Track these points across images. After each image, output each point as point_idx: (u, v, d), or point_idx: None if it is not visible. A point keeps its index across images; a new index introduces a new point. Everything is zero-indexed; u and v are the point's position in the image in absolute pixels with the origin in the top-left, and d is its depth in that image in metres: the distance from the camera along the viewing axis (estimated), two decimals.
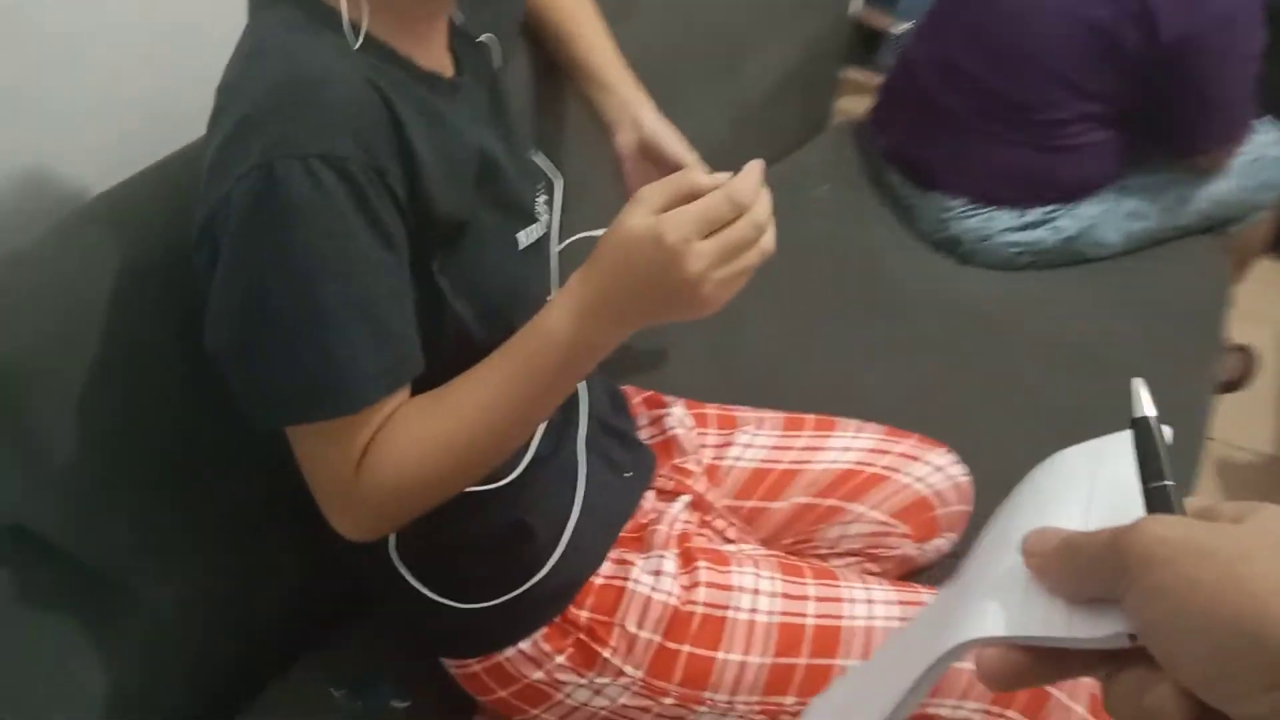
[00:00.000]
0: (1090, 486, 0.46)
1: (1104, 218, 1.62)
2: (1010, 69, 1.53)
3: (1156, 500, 0.40)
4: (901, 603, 0.97)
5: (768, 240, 0.72)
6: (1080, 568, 0.39)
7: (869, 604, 0.97)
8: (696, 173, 0.72)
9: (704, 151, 1.65)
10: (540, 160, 0.98)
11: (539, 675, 0.95)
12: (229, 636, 1.00)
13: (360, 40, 0.75)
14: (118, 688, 0.91)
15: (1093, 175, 1.59)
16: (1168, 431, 0.43)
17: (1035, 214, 1.61)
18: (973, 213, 1.63)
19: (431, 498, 0.80)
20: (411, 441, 0.76)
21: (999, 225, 1.62)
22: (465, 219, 0.80)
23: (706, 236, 0.69)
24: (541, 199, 0.92)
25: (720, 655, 0.93)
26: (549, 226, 0.91)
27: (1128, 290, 1.62)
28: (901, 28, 2.38)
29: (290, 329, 0.70)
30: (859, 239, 1.71)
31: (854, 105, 2.09)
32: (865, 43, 2.91)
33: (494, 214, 0.83)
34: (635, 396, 1.19)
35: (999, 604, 0.41)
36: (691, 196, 0.70)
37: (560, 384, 0.78)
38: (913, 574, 1.18)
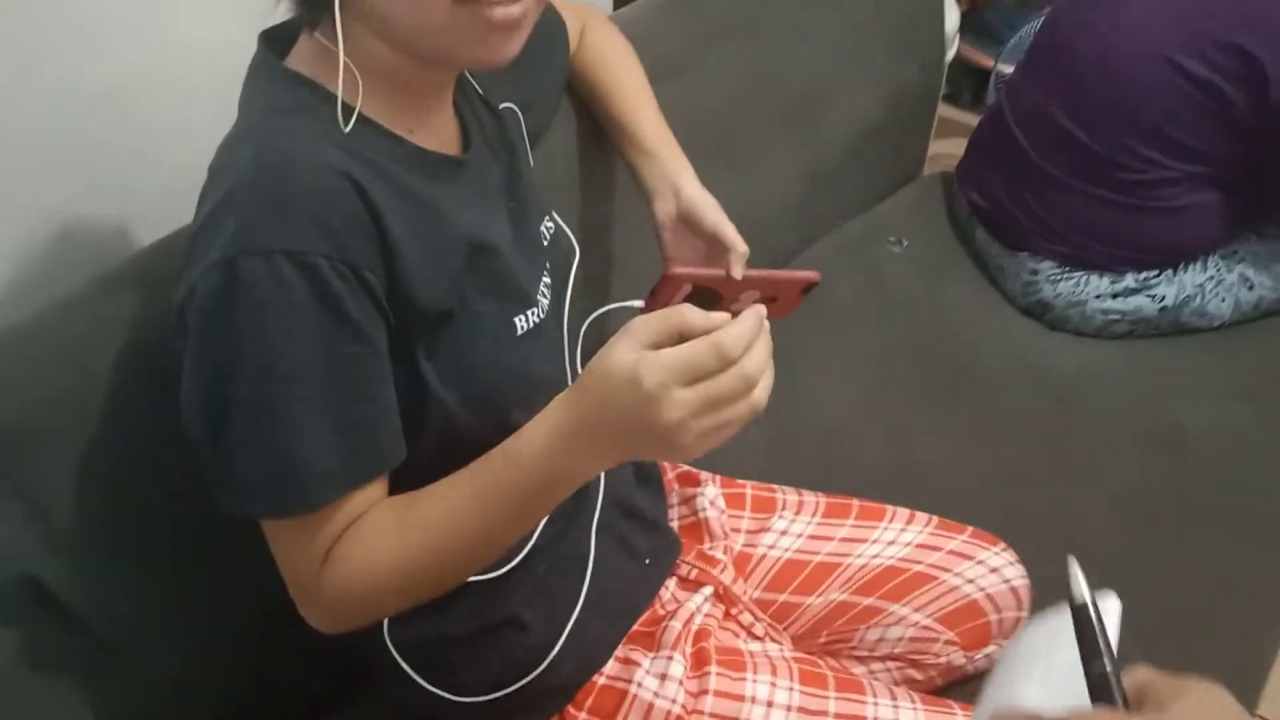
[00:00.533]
0: (1048, 665, 0.50)
1: (1209, 286, 1.48)
2: (1104, 123, 1.41)
3: (1096, 685, 0.45)
4: None
5: (759, 395, 0.65)
6: None
7: (895, 707, 0.89)
8: (691, 311, 0.65)
9: (776, 207, 1.60)
10: (557, 230, 0.93)
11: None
12: (224, 711, 0.98)
13: (353, 123, 0.72)
14: None
15: (1195, 240, 1.46)
16: (1114, 606, 0.50)
17: (1131, 280, 1.49)
18: (1063, 276, 1.52)
19: (405, 602, 0.77)
20: (382, 548, 0.72)
21: (1092, 291, 1.50)
22: (451, 307, 0.76)
23: (689, 384, 0.62)
24: (545, 281, 0.87)
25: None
26: (545, 311, 0.86)
27: (1235, 368, 1.48)
28: (1006, 68, 2.24)
29: (246, 425, 0.69)
30: (940, 301, 1.61)
31: (954, 150, 1.98)
32: (970, 82, 2.78)
33: (487, 300, 0.79)
34: (670, 471, 1.13)
35: None
36: (684, 336, 0.64)
37: (532, 509, 0.73)
38: (961, 683, 1.08)
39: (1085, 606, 0.46)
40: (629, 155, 1.10)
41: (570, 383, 0.91)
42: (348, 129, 0.72)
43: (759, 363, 0.64)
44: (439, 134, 0.81)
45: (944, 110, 2.27)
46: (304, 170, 0.68)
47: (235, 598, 0.94)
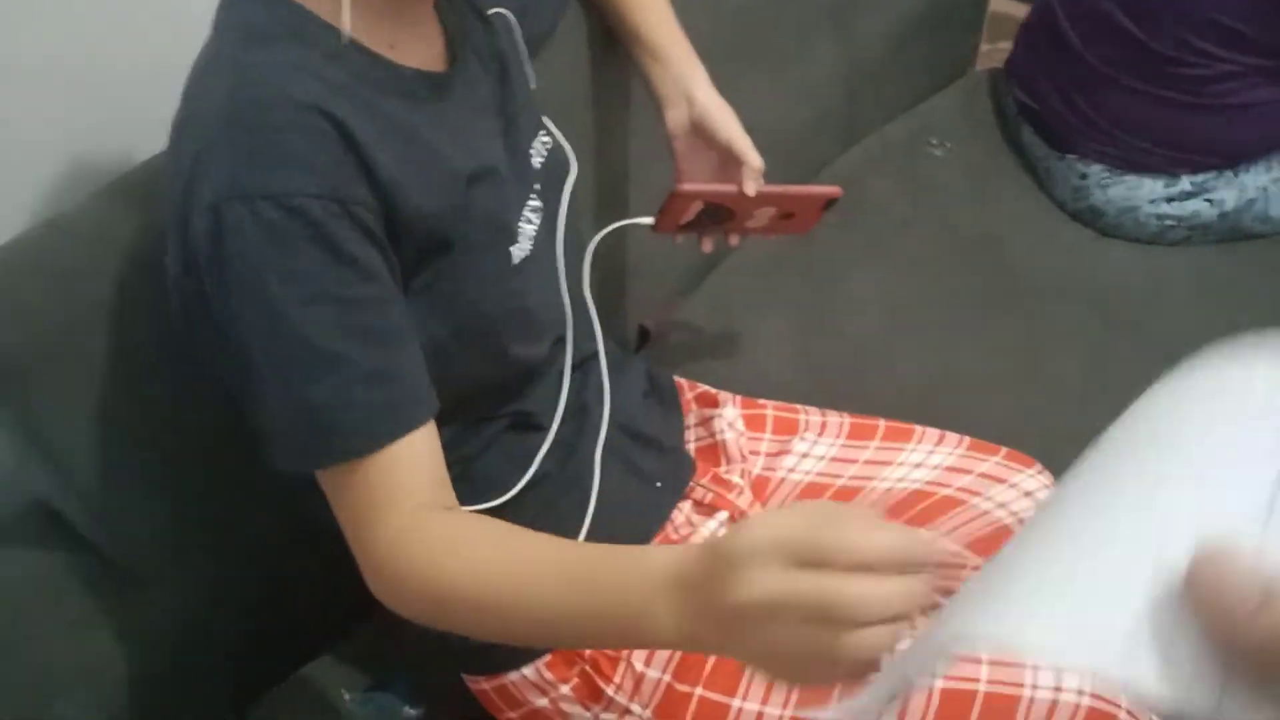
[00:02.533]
0: (1268, 457, 0.33)
1: (1274, 189, 1.39)
2: (1157, 14, 1.32)
3: None
4: None
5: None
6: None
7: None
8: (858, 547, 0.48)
9: (810, 110, 1.52)
10: (554, 145, 0.89)
11: (543, 702, 0.89)
12: (241, 633, 0.98)
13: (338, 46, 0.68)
14: (126, 678, 0.90)
15: (1255, 139, 1.37)
16: None
17: (1187, 183, 1.40)
18: (1115, 180, 1.43)
19: (445, 625, 0.69)
20: (450, 587, 0.65)
21: (1145, 195, 1.42)
22: (448, 239, 0.72)
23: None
24: (530, 205, 0.83)
25: (736, 703, 0.84)
26: (534, 237, 0.82)
27: None
28: None
29: (263, 378, 0.66)
30: (984, 207, 1.53)
31: (1008, 48, 1.87)
32: None
33: (484, 230, 0.76)
34: (689, 391, 1.10)
35: (1136, 644, 0.31)
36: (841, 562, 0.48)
37: (606, 642, 0.68)
38: None
39: None
40: (639, 60, 1.05)
41: (566, 310, 0.88)
42: (332, 45, 0.68)
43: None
44: (423, 47, 0.77)
45: (999, 4, 2.14)
46: (281, 110, 0.64)
47: (254, 526, 0.94)
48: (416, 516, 0.68)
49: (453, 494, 0.72)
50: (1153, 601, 0.31)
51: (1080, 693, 0.81)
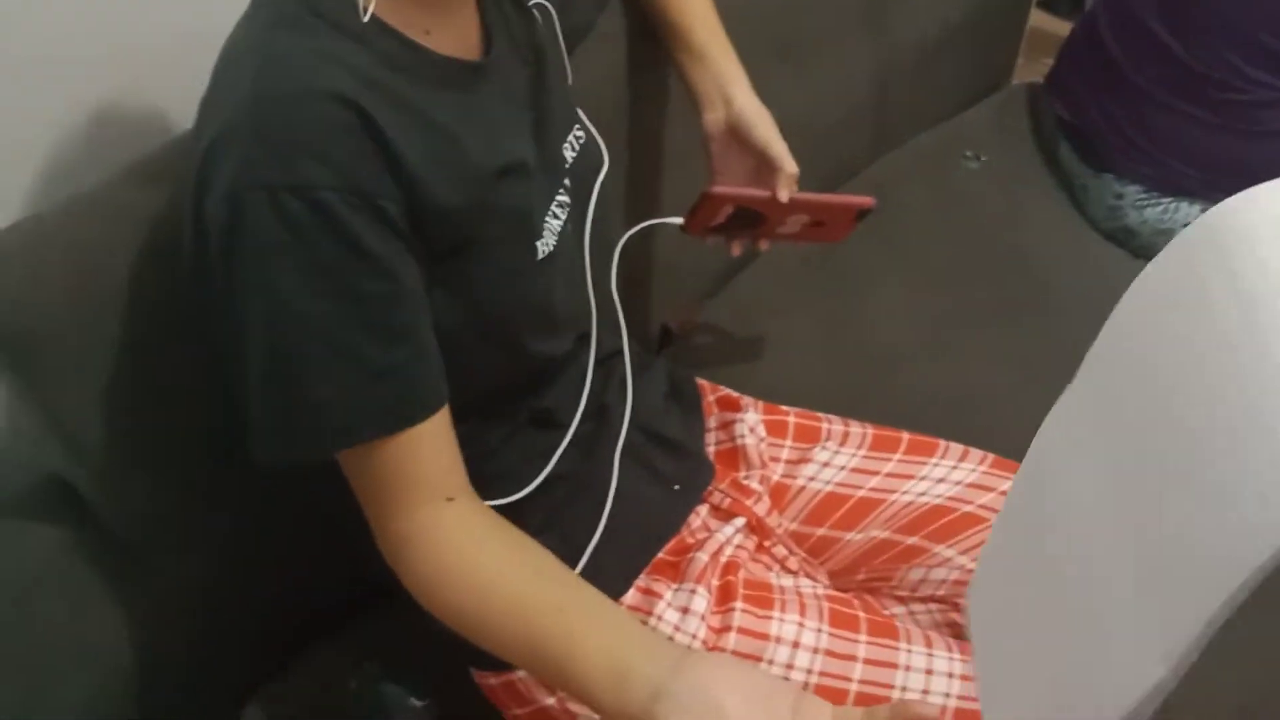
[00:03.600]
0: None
1: None
2: (1205, 36, 1.30)
3: None
4: (964, 677, 0.84)
5: None
6: None
7: (927, 674, 0.85)
8: None
9: (843, 114, 1.50)
10: (587, 140, 0.88)
11: (550, 701, 0.88)
12: (246, 615, 0.97)
13: (364, 28, 0.67)
14: (129, 656, 0.90)
15: None
16: None
17: None
18: (1151, 201, 1.41)
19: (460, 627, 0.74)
20: (473, 605, 0.71)
21: (1182, 219, 1.40)
22: (472, 233, 0.72)
23: None
24: (558, 200, 0.82)
25: None
26: (559, 232, 0.81)
27: None
28: None
29: (265, 366, 0.66)
30: (1017, 222, 1.51)
31: (1048, 64, 1.85)
32: None
33: (508, 224, 0.75)
34: (710, 394, 1.09)
35: None
36: None
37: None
38: None
39: None
40: (678, 58, 1.04)
41: (591, 308, 0.87)
42: (361, 28, 0.67)
43: None
44: (459, 35, 0.76)
45: (1040, 19, 2.12)
46: (305, 101, 0.63)
47: (265, 506, 0.93)
48: (428, 513, 0.71)
49: (465, 480, 0.74)
50: None
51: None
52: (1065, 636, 0.34)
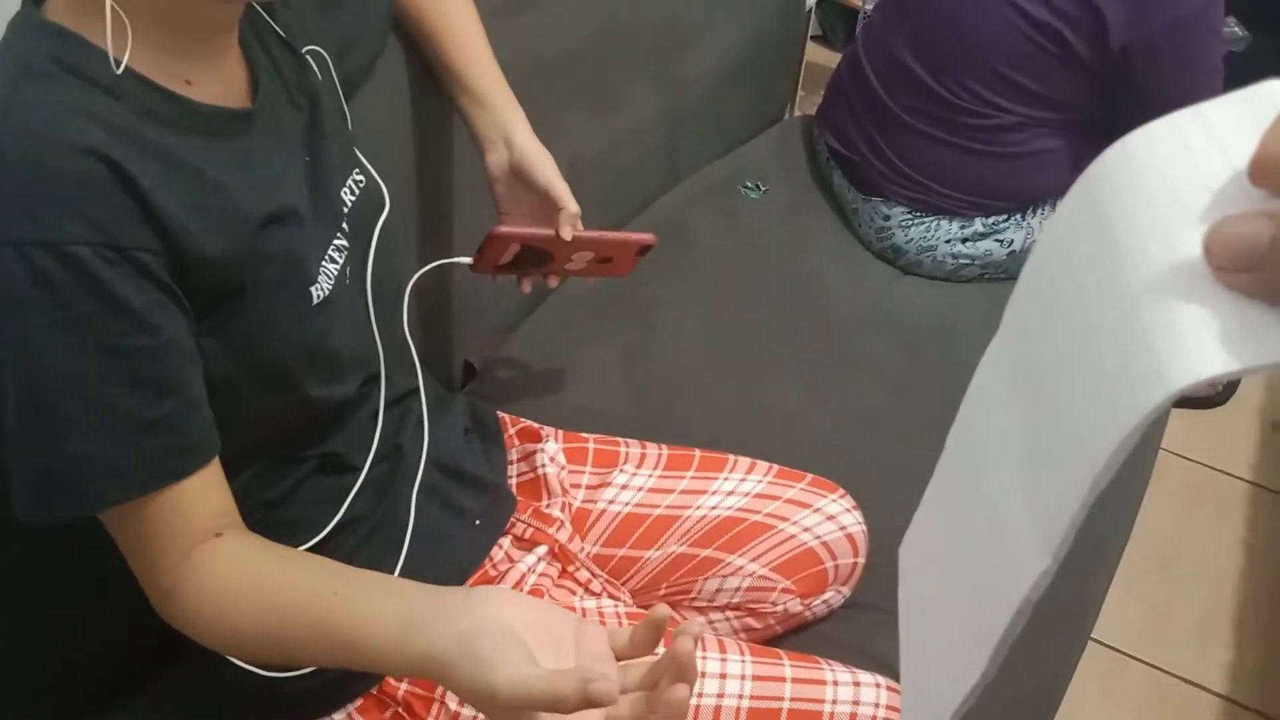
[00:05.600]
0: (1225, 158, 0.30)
1: None
2: (949, 66, 1.42)
3: None
4: (757, 678, 0.89)
5: None
6: None
7: (721, 678, 0.89)
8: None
9: (634, 150, 1.57)
10: (367, 183, 0.89)
11: None
12: (45, 675, 0.93)
13: (118, 79, 0.66)
14: None
15: (1042, 186, 1.49)
16: None
17: (980, 225, 1.51)
18: (915, 221, 1.53)
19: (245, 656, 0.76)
20: (238, 625, 0.71)
21: (942, 235, 1.52)
22: (240, 280, 0.72)
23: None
24: (335, 244, 0.83)
25: None
26: (336, 277, 0.82)
27: None
28: (870, 8, 2.24)
29: (18, 425, 0.65)
30: (796, 246, 1.61)
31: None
32: (844, 23, 2.78)
33: (279, 270, 0.75)
34: (512, 426, 1.11)
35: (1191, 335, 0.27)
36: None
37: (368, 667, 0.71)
38: (801, 628, 1.10)
39: None
40: (460, 102, 1.06)
41: (378, 350, 0.88)
42: (108, 87, 0.66)
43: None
44: (223, 82, 0.75)
45: (816, 53, 2.27)
46: (52, 154, 0.62)
47: (51, 567, 0.89)
48: (197, 554, 0.71)
49: (234, 517, 0.75)
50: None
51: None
52: (976, 559, 0.37)
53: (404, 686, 0.86)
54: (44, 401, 0.64)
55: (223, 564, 0.71)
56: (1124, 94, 1.35)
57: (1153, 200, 0.30)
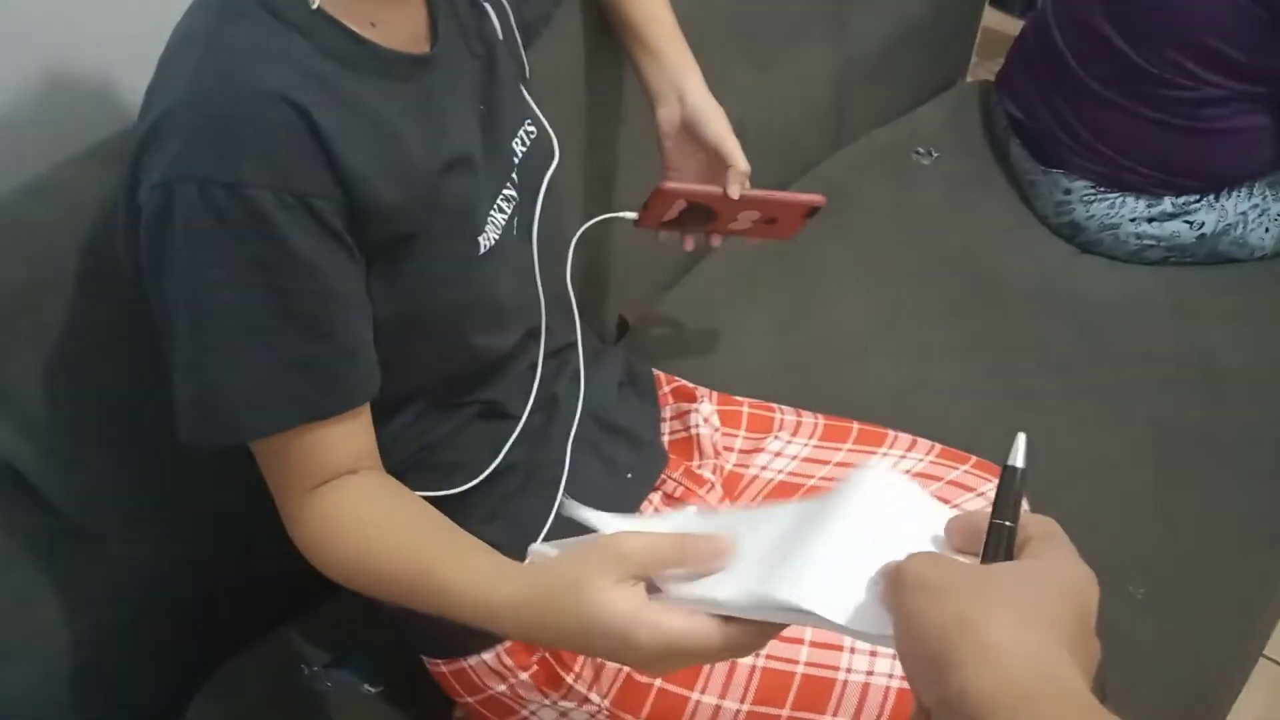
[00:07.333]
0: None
1: (1253, 215, 1.40)
2: (1150, 34, 1.32)
3: (996, 533, 0.51)
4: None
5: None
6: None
7: (871, 656, 0.86)
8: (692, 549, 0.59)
9: (801, 111, 1.53)
10: (539, 134, 0.88)
11: (502, 688, 0.89)
12: (197, 601, 0.98)
13: (309, 22, 0.68)
14: (77, 645, 0.90)
15: (1241, 165, 1.38)
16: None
17: (1169, 204, 1.41)
18: (1098, 196, 1.44)
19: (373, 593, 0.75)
20: (349, 547, 0.73)
21: (1127, 213, 1.43)
22: (413, 228, 0.73)
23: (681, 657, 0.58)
24: (505, 194, 0.82)
25: (694, 696, 0.85)
26: (504, 227, 0.81)
27: (1272, 301, 1.41)
28: None
29: (185, 353, 0.68)
30: (967, 217, 1.54)
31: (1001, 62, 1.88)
32: None
33: (450, 219, 0.76)
34: (666, 384, 1.10)
35: (850, 596, 0.52)
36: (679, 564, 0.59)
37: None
38: None
39: (1016, 470, 0.53)
40: (633, 54, 1.05)
41: (540, 301, 0.88)
42: (307, 20, 0.68)
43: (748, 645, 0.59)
44: (405, 27, 0.76)
45: (993, 19, 2.16)
46: (246, 97, 0.64)
47: (216, 490, 0.93)
48: (327, 487, 0.73)
49: (374, 459, 0.76)
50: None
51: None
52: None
53: None
54: (209, 332, 0.67)
55: (345, 497, 0.73)
56: None
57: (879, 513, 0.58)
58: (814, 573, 0.54)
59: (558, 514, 0.88)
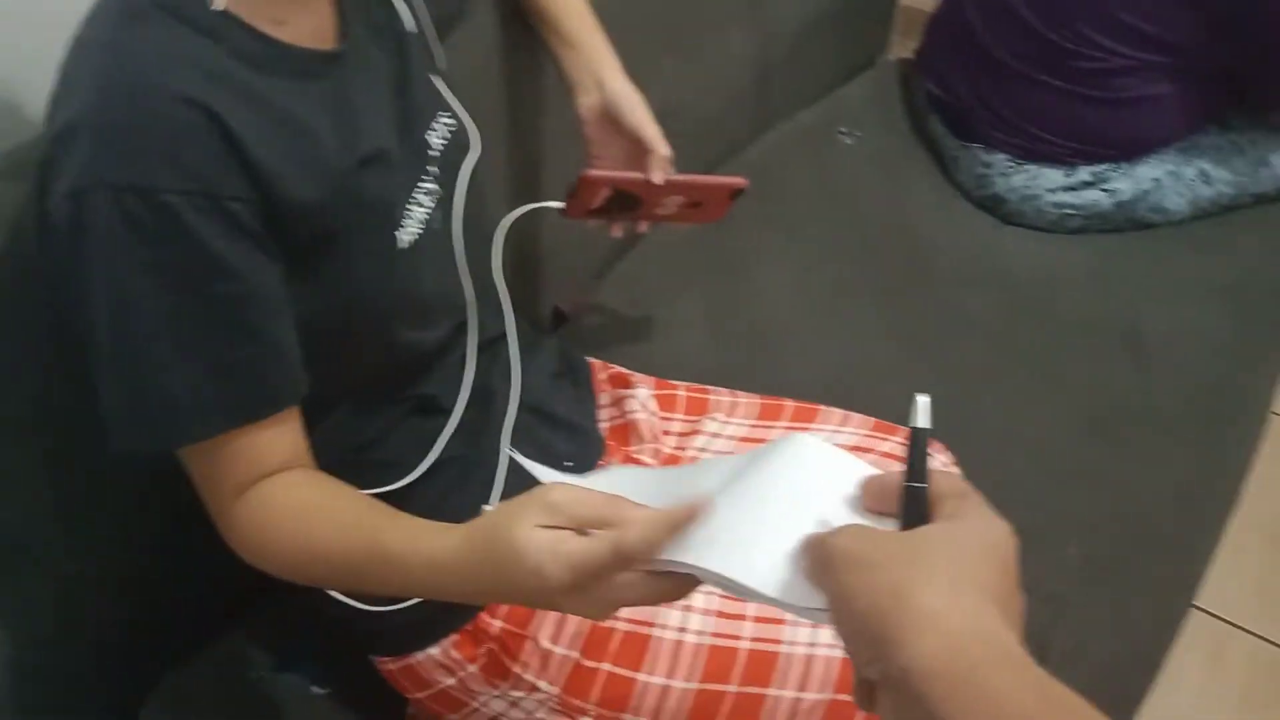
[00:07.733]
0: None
1: (1167, 181, 1.44)
2: (1059, 8, 1.35)
3: (911, 496, 0.53)
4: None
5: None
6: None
7: (813, 628, 0.88)
8: (621, 510, 0.59)
9: (724, 96, 1.54)
10: (458, 127, 0.88)
11: (451, 682, 0.89)
12: (142, 611, 0.96)
13: (212, 23, 0.67)
14: (22, 657, 0.88)
15: (1151, 132, 1.42)
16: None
17: (1085, 173, 1.45)
18: (1016, 169, 1.47)
19: (310, 581, 0.77)
20: (287, 534, 0.72)
21: (1045, 184, 1.46)
22: (331, 225, 0.72)
23: (591, 584, 0.59)
24: (423, 188, 0.82)
25: (642, 677, 0.86)
26: (425, 222, 0.81)
27: (1191, 265, 1.45)
28: None
29: (109, 363, 0.67)
30: (892, 194, 1.56)
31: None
32: None
33: (369, 215, 0.75)
34: (602, 372, 1.11)
35: (780, 569, 0.54)
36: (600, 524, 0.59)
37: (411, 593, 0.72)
38: None
39: (923, 431, 0.55)
40: (551, 45, 1.05)
41: (467, 294, 0.88)
42: (209, 21, 0.67)
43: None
44: (314, 22, 0.75)
45: None
46: (153, 101, 0.63)
47: (148, 502, 0.92)
48: (258, 486, 0.72)
49: (305, 456, 0.76)
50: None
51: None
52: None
53: (498, 623, 0.87)
54: (130, 340, 0.66)
55: (278, 489, 0.73)
56: (1252, 33, 1.27)
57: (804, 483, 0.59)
58: (744, 545, 0.55)
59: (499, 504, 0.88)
